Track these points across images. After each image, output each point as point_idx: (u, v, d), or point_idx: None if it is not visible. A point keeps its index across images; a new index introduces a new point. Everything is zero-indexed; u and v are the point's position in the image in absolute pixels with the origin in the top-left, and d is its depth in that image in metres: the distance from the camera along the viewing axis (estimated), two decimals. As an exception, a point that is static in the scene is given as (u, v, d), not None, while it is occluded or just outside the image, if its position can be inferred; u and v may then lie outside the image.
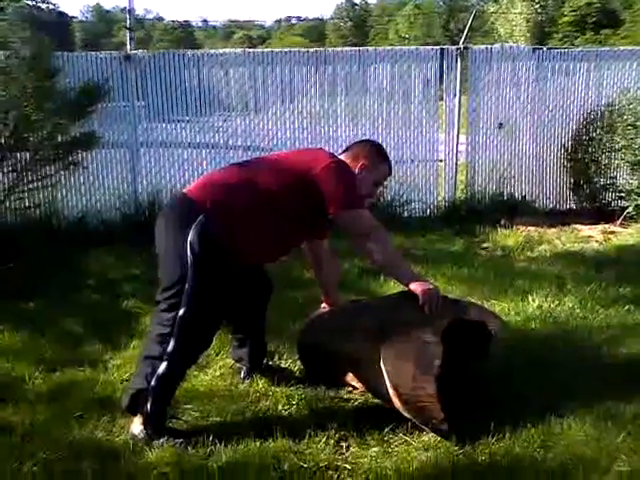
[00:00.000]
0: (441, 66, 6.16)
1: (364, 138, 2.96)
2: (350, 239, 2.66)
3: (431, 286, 2.51)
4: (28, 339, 3.35)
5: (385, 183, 3.12)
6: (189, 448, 2.29)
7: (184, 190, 2.55)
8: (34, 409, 2.60)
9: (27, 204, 5.11)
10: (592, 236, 5.56)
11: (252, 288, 2.74)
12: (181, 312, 2.32)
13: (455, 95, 6.17)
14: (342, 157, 2.65)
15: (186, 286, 2.31)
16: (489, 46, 6.62)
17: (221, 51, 6.23)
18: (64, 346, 3.27)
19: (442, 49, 6.21)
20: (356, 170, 2.60)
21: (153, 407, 2.35)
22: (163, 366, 2.33)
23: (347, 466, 2.20)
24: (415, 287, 2.48)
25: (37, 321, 3.58)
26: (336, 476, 2.14)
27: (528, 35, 33.64)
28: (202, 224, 2.31)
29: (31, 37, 5.39)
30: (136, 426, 2.39)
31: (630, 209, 5.80)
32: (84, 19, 67.80)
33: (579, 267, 4.54)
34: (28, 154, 4.95)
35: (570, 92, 6.33)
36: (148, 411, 2.35)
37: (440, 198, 6.26)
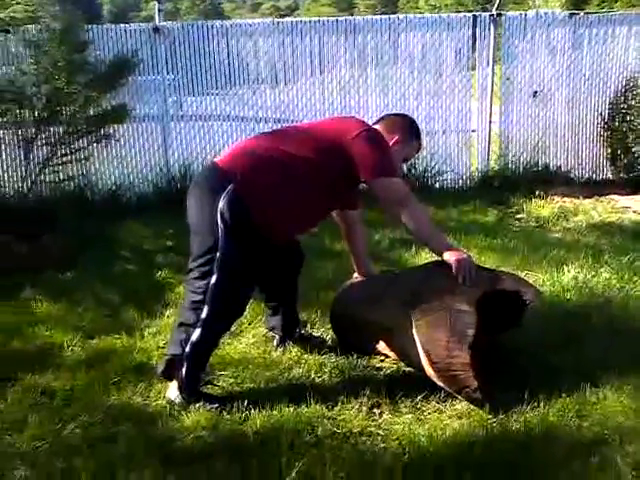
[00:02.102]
0: (474, 34, 6.02)
1: (397, 112, 2.90)
2: (383, 207, 2.64)
3: (465, 255, 2.49)
4: (65, 308, 3.44)
5: (416, 156, 3.07)
6: (224, 413, 2.33)
7: (215, 159, 2.55)
8: (73, 375, 2.67)
9: (61, 177, 5.19)
10: (629, 207, 5.43)
11: (284, 257, 2.74)
12: (213, 280, 2.34)
13: (488, 64, 6.04)
14: (376, 127, 2.63)
15: (217, 254, 2.33)
16: (523, 13, 6.44)
17: (250, 22, 6.19)
18: (101, 315, 3.35)
19: (475, 16, 6.07)
20: (391, 141, 2.58)
21: (188, 373, 2.39)
22: (197, 333, 2.37)
23: (380, 432, 2.21)
24: (449, 256, 2.45)
25: (74, 291, 3.66)
26: (369, 442, 2.16)
27: (564, 1, 32.55)
28: (232, 192, 2.31)
29: (61, 11, 5.43)
30: (172, 391, 2.44)
31: (669, 179, 5.65)
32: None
33: (616, 238, 4.46)
34: (61, 127, 5.01)
35: (608, 58, 6.14)
36: (183, 377, 2.39)
37: (473, 169, 6.17)
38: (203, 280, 2.36)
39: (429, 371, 2.49)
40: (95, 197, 5.36)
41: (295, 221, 2.50)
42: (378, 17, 6.41)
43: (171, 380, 2.45)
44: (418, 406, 2.38)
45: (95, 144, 5.18)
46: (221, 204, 2.30)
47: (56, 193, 5.14)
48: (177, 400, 2.41)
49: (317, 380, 2.59)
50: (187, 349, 2.37)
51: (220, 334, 2.53)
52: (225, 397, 2.45)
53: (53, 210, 4.69)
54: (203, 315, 2.36)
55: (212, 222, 2.32)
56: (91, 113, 5.03)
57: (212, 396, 2.46)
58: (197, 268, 2.39)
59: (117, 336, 3.06)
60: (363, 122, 2.59)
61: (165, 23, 5.68)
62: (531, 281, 3.29)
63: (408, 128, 2.68)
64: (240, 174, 2.35)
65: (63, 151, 5.04)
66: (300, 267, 2.88)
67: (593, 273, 3.67)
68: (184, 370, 2.38)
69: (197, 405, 2.36)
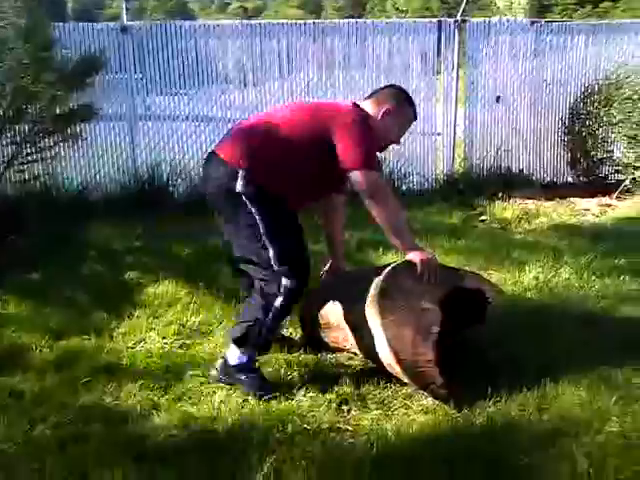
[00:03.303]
0: (439, 39, 6.15)
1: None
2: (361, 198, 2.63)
3: (430, 255, 2.56)
4: (33, 309, 3.40)
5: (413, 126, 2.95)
6: (195, 410, 2.38)
7: (217, 151, 2.59)
8: (42, 376, 2.66)
9: (27, 176, 5.12)
10: (589, 209, 5.62)
11: None
12: (271, 251, 2.46)
13: (453, 68, 6.17)
14: (366, 102, 2.65)
15: (260, 229, 2.44)
16: (487, 19, 6.60)
17: (219, 22, 6.19)
18: (69, 316, 3.32)
19: (440, 22, 6.19)
20: (379, 115, 2.59)
21: (267, 336, 2.55)
22: (279, 299, 2.49)
23: (349, 428, 2.27)
24: (413, 255, 2.52)
25: (41, 292, 3.62)
26: (338, 437, 2.22)
27: (527, 8, 33.28)
28: (244, 176, 2.43)
29: (26, 8, 5.35)
30: (232, 354, 2.57)
31: (627, 182, 5.85)
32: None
33: (575, 239, 4.60)
34: (27, 126, 4.94)
35: (568, 65, 6.34)
36: (262, 341, 2.55)
37: (438, 171, 6.30)
38: (263, 258, 2.47)
39: (396, 368, 2.56)
40: (61, 197, 5.29)
41: (303, 189, 2.56)
42: (346, 21, 6.48)
43: (241, 346, 2.55)
44: (385, 402, 2.45)
45: (62, 143, 5.12)
46: (238, 187, 2.43)
47: (21, 193, 5.07)
48: (235, 362, 2.55)
49: (287, 378, 2.64)
50: (270, 315, 2.50)
51: (298, 294, 2.58)
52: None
53: (18, 210, 4.63)
54: (284, 282, 2.47)
55: (240, 206, 2.44)
56: (57, 112, 4.97)
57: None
58: (252, 254, 2.51)
59: (86, 337, 3.05)
60: (350, 108, 2.59)
61: (133, 22, 5.64)
62: (494, 280, 3.40)
63: (399, 97, 2.68)
64: (243, 161, 2.46)
65: (29, 150, 4.96)
66: None
67: (553, 273, 3.79)
68: (264, 335, 2.53)
69: (254, 376, 2.53)
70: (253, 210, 2.45)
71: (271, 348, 2.68)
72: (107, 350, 2.92)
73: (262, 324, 2.51)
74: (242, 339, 2.54)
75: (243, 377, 2.54)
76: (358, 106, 2.62)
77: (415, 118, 2.76)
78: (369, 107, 2.64)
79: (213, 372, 2.62)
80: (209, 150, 2.68)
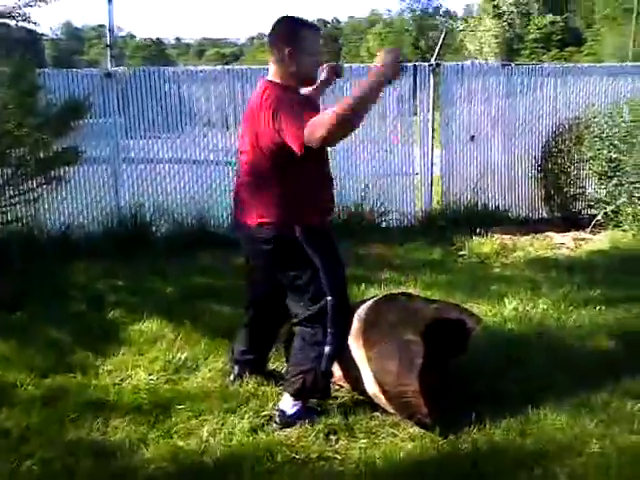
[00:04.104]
0: (414, 82, 6.35)
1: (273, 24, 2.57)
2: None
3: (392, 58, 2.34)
4: (17, 348, 3.39)
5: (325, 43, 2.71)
6: (184, 445, 2.38)
7: (237, 217, 2.69)
8: (28, 413, 2.66)
9: (9, 218, 5.12)
10: (564, 243, 5.76)
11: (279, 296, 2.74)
12: (328, 300, 2.53)
13: (428, 110, 6.37)
14: (270, 65, 2.54)
15: (303, 277, 2.52)
16: (460, 63, 6.85)
17: (201, 68, 6.37)
18: (53, 354, 3.31)
19: (415, 66, 6.41)
20: (287, 62, 2.47)
21: (324, 382, 2.60)
22: (328, 348, 2.53)
23: (337, 457, 2.30)
24: (375, 71, 2.30)
25: (25, 331, 3.61)
26: (327, 466, 2.25)
27: (497, 51, 34.44)
28: (268, 235, 2.51)
29: (9, 55, 5.45)
30: (286, 403, 2.58)
31: (599, 217, 6.03)
32: (54, 36, 67.37)
33: (552, 272, 4.72)
34: (10, 170, 4.98)
35: (539, 106, 6.58)
36: (320, 387, 2.59)
37: (417, 209, 6.43)
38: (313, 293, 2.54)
39: (382, 399, 2.61)
40: (44, 238, 5.30)
41: (314, 198, 2.59)
42: (324, 65, 6.67)
43: (300, 398, 2.58)
44: (373, 431, 2.49)
45: (45, 186, 5.15)
46: (287, 236, 2.50)
47: (4, 233, 5.07)
48: (291, 411, 2.57)
49: (274, 410, 2.66)
50: (323, 363, 2.54)
51: (344, 338, 2.64)
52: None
53: (1, 251, 4.63)
54: (330, 330, 2.53)
55: (294, 252, 2.50)
56: (41, 155, 5.02)
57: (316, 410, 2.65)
58: (303, 293, 2.56)
59: (71, 375, 3.05)
60: (264, 89, 2.49)
61: (117, 68, 5.76)
62: (475, 312, 3.49)
63: (288, 30, 2.52)
64: (254, 217, 2.53)
65: (12, 192, 4.99)
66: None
67: (532, 304, 3.89)
68: (319, 383, 2.57)
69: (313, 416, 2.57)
70: (308, 252, 2.50)
71: (330, 394, 2.72)
72: (93, 387, 2.92)
73: (316, 373, 2.55)
74: (300, 391, 2.58)
75: (302, 421, 2.56)
76: (269, 82, 2.52)
77: (316, 29, 2.58)
78: (275, 67, 2.52)
79: (274, 425, 2.59)
80: (235, 218, 2.74)
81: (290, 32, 2.51)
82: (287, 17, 2.58)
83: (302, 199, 2.52)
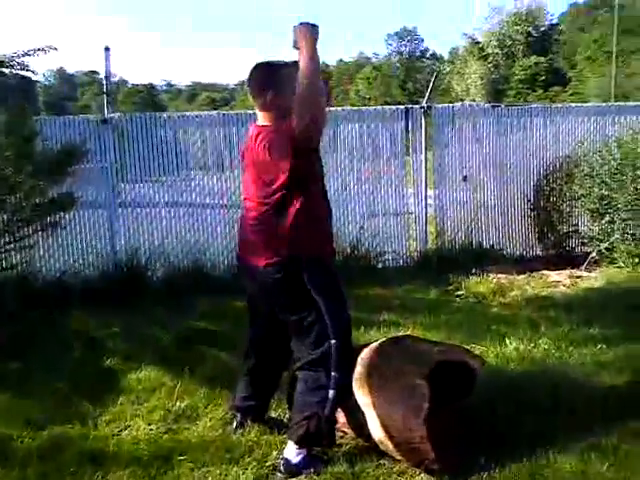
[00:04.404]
0: (406, 124, 6.46)
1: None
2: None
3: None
4: (12, 399, 3.32)
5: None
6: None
7: (242, 255, 2.72)
8: (25, 467, 2.58)
9: (4, 265, 5.09)
10: (560, 281, 5.78)
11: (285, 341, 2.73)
12: (332, 343, 2.51)
13: (421, 152, 6.45)
14: (258, 112, 2.61)
15: (308, 318, 2.52)
16: (450, 105, 6.99)
17: (196, 113, 6.45)
18: (51, 405, 3.24)
19: (407, 109, 6.53)
20: (272, 105, 2.54)
21: (329, 428, 2.55)
22: (332, 392, 2.51)
23: (346, 507, 2.25)
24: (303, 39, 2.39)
25: (21, 381, 3.55)
26: (336, 518, 2.19)
27: (483, 92, 35.22)
28: (273, 277, 2.53)
29: (5, 101, 5.50)
30: (291, 451, 2.52)
31: (593, 254, 6.07)
32: (47, 83, 68.21)
33: (550, 311, 4.72)
34: (6, 216, 4.97)
35: (529, 145, 6.68)
36: (325, 433, 2.54)
37: (412, 249, 6.45)
38: (318, 334, 2.53)
39: (388, 446, 2.56)
40: (40, 284, 5.26)
41: (317, 225, 2.61)
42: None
43: (305, 446, 2.54)
44: (380, 479, 2.43)
45: (41, 232, 5.14)
46: (276, 287, 2.54)
47: (-1, 281, 5.03)
48: (296, 460, 2.52)
49: (278, 459, 2.60)
50: (327, 408, 2.50)
51: (349, 383, 2.62)
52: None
53: (-5, 299, 4.58)
54: (333, 374, 2.51)
55: (300, 291, 2.49)
56: (37, 201, 5.02)
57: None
58: (306, 333, 2.55)
59: (70, 426, 2.98)
60: (257, 135, 2.59)
61: (113, 114, 5.82)
62: (477, 353, 3.46)
63: (266, 75, 2.60)
64: (261, 258, 2.55)
65: (7, 239, 4.97)
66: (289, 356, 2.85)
67: (532, 344, 3.87)
68: (324, 428, 2.52)
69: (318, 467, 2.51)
70: (313, 292, 2.50)
71: (335, 441, 2.67)
72: (92, 438, 2.86)
73: (319, 418, 2.51)
74: (304, 437, 2.53)
75: (307, 470, 2.51)
76: (262, 127, 2.59)
77: (291, 64, 2.55)
78: (262, 112, 2.60)
79: (279, 475, 2.54)
80: (241, 261, 2.77)
81: (268, 77, 2.60)
82: (261, 63, 2.66)
83: (307, 230, 2.53)
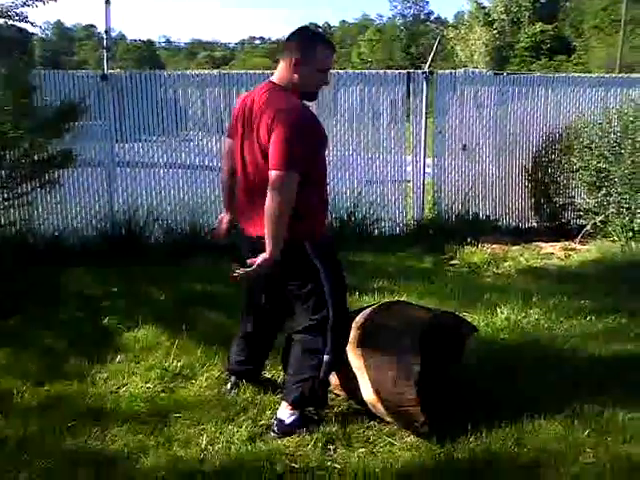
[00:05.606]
0: (408, 89, 6.40)
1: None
2: None
3: (268, 262, 2.47)
4: (11, 355, 3.38)
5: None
6: (183, 454, 2.40)
7: (244, 227, 2.71)
8: (26, 421, 2.65)
9: (3, 222, 5.10)
10: (553, 253, 5.83)
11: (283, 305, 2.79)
12: (330, 309, 2.57)
13: (421, 118, 6.41)
14: (280, 65, 2.56)
15: (322, 281, 2.55)
16: (453, 71, 6.90)
17: (197, 72, 6.36)
18: (49, 361, 3.31)
19: (409, 73, 6.45)
20: (291, 69, 2.50)
21: (323, 391, 2.64)
22: (327, 357, 2.56)
23: (336, 466, 2.33)
24: (262, 256, 2.46)
25: (19, 338, 3.60)
26: (327, 476, 2.27)
27: (487, 59, 34.74)
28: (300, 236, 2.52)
29: (2, 55, 5.42)
30: (284, 412, 2.60)
31: (588, 227, 6.10)
32: (44, 36, 66.89)
33: (542, 282, 4.78)
34: (4, 172, 4.96)
35: (530, 115, 6.64)
36: (318, 397, 2.63)
37: (409, 217, 6.46)
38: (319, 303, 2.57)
39: (379, 408, 2.64)
40: (38, 242, 5.29)
41: (318, 203, 2.63)
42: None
43: (299, 407, 2.60)
44: (370, 440, 2.52)
45: (39, 189, 5.14)
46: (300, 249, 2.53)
47: (-3, 238, 5.05)
48: (290, 420, 2.58)
49: (272, 419, 2.68)
50: (322, 372, 2.58)
51: (344, 347, 2.69)
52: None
53: (-7, 256, 4.60)
54: (329, 338, 2.57)
55: (306, 265, 2.53)
56: (36, 158, 5.00)
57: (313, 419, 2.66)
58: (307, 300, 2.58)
59: (68, 382, 3.05)
60: (262, 94, 2.54)
61: (113, 71, 5.75)
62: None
63: (303, 40, 2.55)
64: (256, 222, 2.53)
65: (5, 195, 4.97)
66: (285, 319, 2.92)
67: (523, 314, 3.94)
68: (319, 391, 2.62)
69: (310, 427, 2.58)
70: (314, 263, 2.54)
71: (328, 402, 2.76)
72: (90, 395, 2.92)
73: (314, 381, 2.58)
74: (299, 400, 2.60)
75: (299, 429, 2.58)
76: (272, 84, 2.55)
77: (333, 50, 2.59)
78: (282, 70, 2.55)
79: (272, 434, 2.60)
80: (240, 226, 2.77)
81: (303, 42, 2.54)
82: (307, 28, 2.64)
83: (308, 211, 2.54)
